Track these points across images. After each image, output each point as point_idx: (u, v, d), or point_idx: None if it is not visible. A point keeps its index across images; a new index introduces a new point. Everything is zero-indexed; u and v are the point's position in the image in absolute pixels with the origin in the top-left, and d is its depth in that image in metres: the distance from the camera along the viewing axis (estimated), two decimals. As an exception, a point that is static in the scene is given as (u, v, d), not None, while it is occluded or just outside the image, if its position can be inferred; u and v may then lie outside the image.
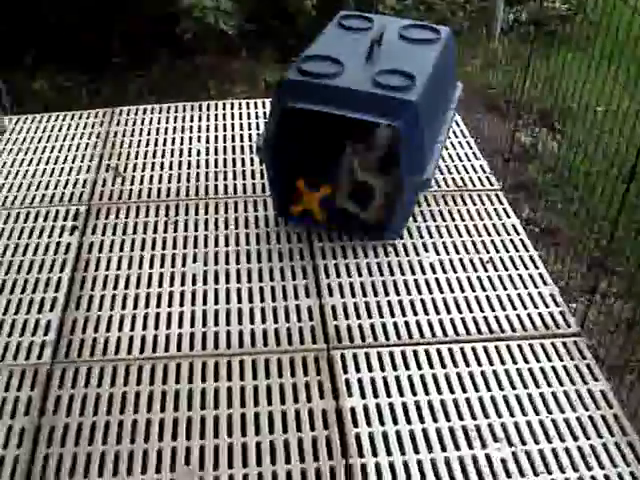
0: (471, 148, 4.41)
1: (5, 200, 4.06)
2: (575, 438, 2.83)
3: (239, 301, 3.39)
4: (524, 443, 2.80)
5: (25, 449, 2.79)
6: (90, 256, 3.66)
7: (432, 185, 3.83)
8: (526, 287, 3.48)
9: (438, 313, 3.33)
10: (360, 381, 3.03)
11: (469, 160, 4.31)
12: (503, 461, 2.74)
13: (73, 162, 4.35)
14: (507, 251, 3.68)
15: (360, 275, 3.52)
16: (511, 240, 3.75)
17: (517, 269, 3.58)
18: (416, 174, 3.38)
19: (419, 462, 2.73)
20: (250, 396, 2.97)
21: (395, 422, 2.87)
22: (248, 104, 4.85)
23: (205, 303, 3.38)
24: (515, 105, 4.24)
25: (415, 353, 3.15)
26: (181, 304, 3.38)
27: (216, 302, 3.38)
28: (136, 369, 3.08)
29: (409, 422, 2.87)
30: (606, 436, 2.84)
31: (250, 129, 4.57)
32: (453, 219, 3.87)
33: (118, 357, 3.14)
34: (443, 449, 2.78)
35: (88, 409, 2.93)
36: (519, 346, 3.19)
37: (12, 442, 2.81)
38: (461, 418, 2.88)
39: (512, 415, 2.90)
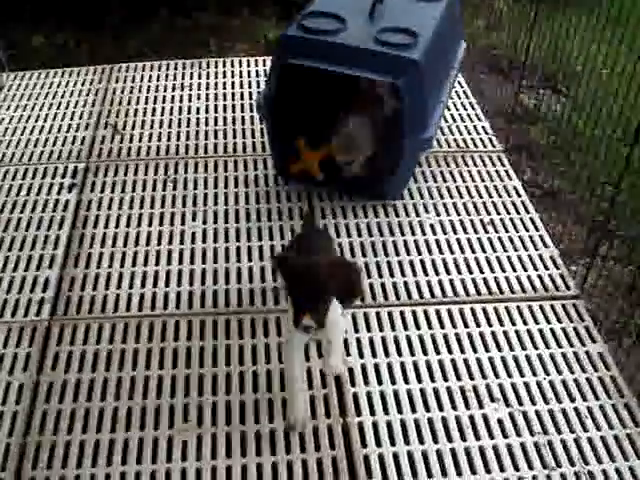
0: (474, 109, 4.37)
1: (3, 157, 4.02)
2: (572, 399, 2.84)
3: (238, 260, 3.37)
4: (521, 404, 2.81)
5: (24, 405, 2.80)
6: (88, 214, 3.63)
7: (434, 145, 3.79)
8: (526, 249, 3.46)
9: (438, 274, 3.32)
10: (358, 341, 3.02)
11: (472, 121, 4.26)
12: (500, 421, 2.75)
13: (71, 119, 4.30)
14: (508, 213, 3.66)
15: (360, 235, 3.50)
16: (512, 202, 3.73)
17: (518, 231, 3.56)
18: (418, 133, 3.34)
19: (416, 421, 2.74)
20: (248, 354, 2.97)
21: (393, 382, 2.87)
22: (249, 62, 4.79)
23: (204, 262, 3.37)
24: (519, 67, 4.18)
25: (414, 314, 3.14)
26: (180, 262, 3.37)
27: (215, 261, 3.37)
28: (135, 326, 3.08)
29: (407, 382, 2.87)
30: (603, 398, 2.85)
31: (251, 87, 4.52)
32: (454, 180, 3.84)
33: (117, 314, 3.13)
34: (440, 408, 2.78)
35: (86, 366, 2.94)
36: (518, 308, 3.19)
37: (11, 398, 2.82)
38: (459, 378, 2.89)
39: (510, 376, 2.91)
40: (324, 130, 3.53)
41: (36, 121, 4.30)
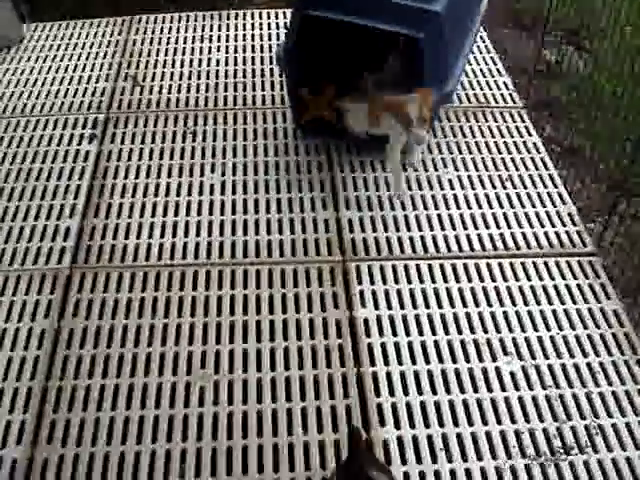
0: (495, 64, 4.32)
1: (24, 108, 4.05)
2: (585, 355, 2.86)
3: (256, 212, 3.40)
4: (534, 358, 2.84)
5: (45, 350, 2.87)
6: (109, 164, 3.67)
7: (454, 100, 3.78)
8: (544, 205, 3.46)
9: (454, 229, 3.33)
10: (374, 293, 3.06)
11: (492, 77, 4.23)
12: (512, 374, 2.79)
13: (92, 71, 4.31)
14: (527, 169, 3.65)
15: (378, 189, 3.52)
16: (531, 158, 3.71)
17: (536, 187, 3.55)
18: (437, 87, 3.32)
19: (429, 372, 2.78)
20: (265, 304, 3.01)
21: (407, 334, 2.91)
22: (269, 14, 4.76)
23: (223, 213, 3.40)
24: (542, 22, 4.12)
25: (430, 267, 3.17)
26: (199, 213, 3.40)
27: (233, 212, 3.40)
28: (154, 276, 3.13)
29: (421, 334, 2.91)
30: (616, 354, 2.87)
31: (271, 40, 4.50)
32: (474, 136, 3.83)
33: (136, 264, 3.18)
34: (454, 361, 2.82)
35: (107, 313, 2.99)
36: (534, 263, 3.20)
37: (33, 343, 2.89)
38: (473, 332, 2.92)
39: (523, 330, 2.93)
40: (343, 82, 3.51)
41: (56, 72, 4.31)
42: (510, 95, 4.10)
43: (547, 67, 4.43)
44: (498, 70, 4.28)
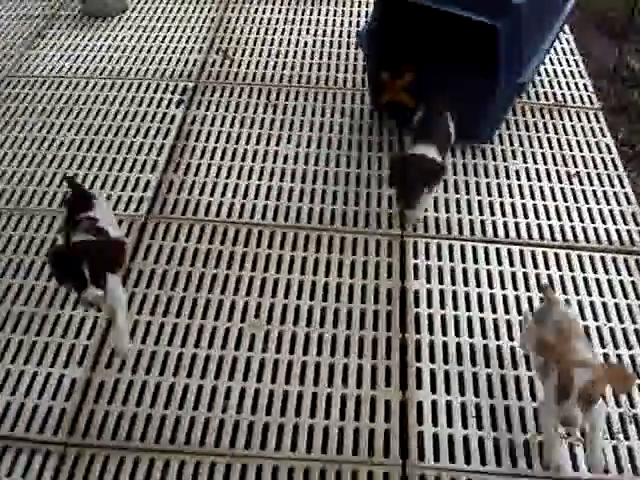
0: (577, 66, 4.35)
1: (120, 71, 4.31)
2: (629, 347, 2.90)
3: (324, 182, 3.55)
4: (578, 344, 2.88)
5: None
6: (192, 128, 3.88)
7: (531, 96, 3.83)
8: (608, 203, 3.49)
9: (515, 216, 3.40)
10: (428, 268, 3.16)
11: (573, 78, 4.25)
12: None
13: (186, 43, 4.54)
14: (596, 168, 3.68)
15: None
16: (602, 158, 3.74)
17: (603, 186, 3.58)
18: (512, 77, 3.40)
19: (472, 345, 2.87)
20: (322, 267, 3.15)
21: (455, 308, 3.01)
22: (360, 0, 4.90)
23: (293, 181, 3.56)
24: (629, 28, 4.14)
25: (485, 250, 3.25)
26: (270, 179, 3.57)
27: (303, 181, 3.56)
28: (222, 231, 3.31)
29: (468, 309, 3.00)
30: (662, 350, 2.90)
31: (359, 25, 4.64)
32: (547, 131, 3.88)
33: (207, 218, 3.37)
34: (497, 338, 2.90)
35: (174, 260, 3.19)
36: (590, 257, 3.24)
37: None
38: (520, 314, 2.99)
39: (571, 317, 2.98)
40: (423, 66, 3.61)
41: (153, 42, 4.56)
42: (589, 97, 4.12)
43: (631, 72, 4.43)
44: (580, 72, 4.30)
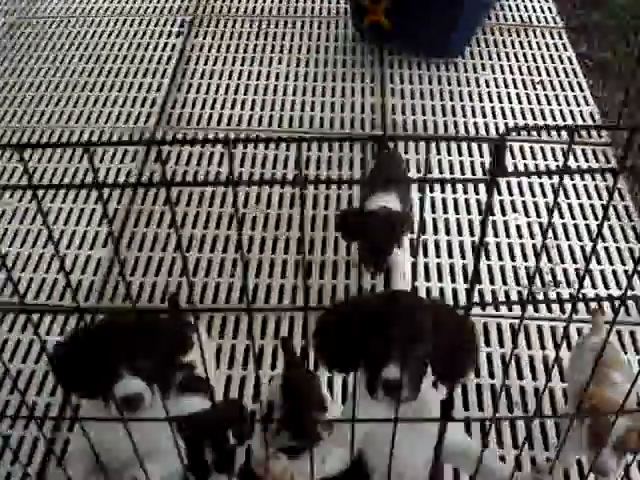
0: (542, -10, 4.75)
1: (123, 9, 4.68)
2: (585, 218, 3.32)
3: (313, 95, 3.95)
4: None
5: (127, 193, 3.48)
6: (192, 54, 4.27)
7: (497, 11, 4.22)
8: (569, 105, 3.90)
9: (484, 116, 3.80)
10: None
11: (539, 1, 4.65)
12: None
13: (183, -16, 4.92)
14: (558, 76, 4.08)
15: (421, 83, 4.02)
16: (564, 68, 4.14)
17: (564, 90, 3.99)
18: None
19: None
20: (313, 166, 3.57)
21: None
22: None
23: (285, 94, 3.96)
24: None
25: (459, 146, 3.66)
26: (264, 94, 3.97)
27: (294, 94, 3.96)
28: (222, 136, 3.71)
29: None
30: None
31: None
32: (514, 47, 4.28)
33: (209, 127, 3.78)
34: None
35: (181, 161, 3.60)
36: (552, 149, 3.65)
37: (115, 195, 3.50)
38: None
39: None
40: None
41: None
42: (552, 18, 4.52)
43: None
44: (545, -5, 4.70)
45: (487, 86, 4.01)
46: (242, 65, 4.17)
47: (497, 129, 3.73)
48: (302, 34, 4.40)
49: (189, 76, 4.11)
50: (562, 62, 4.18)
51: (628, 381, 2.09)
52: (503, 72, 4.10)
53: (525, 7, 4.60)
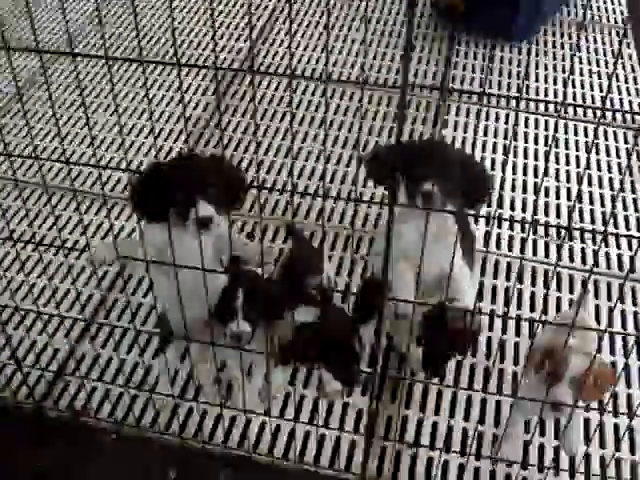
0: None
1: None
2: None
3: (391, 60, 4.33)
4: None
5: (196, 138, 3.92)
6: None
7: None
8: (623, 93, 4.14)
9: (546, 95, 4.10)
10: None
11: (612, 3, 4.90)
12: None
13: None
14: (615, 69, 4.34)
15: (484, 60, 4.33)
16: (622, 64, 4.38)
17: (618, 82, 4.23)
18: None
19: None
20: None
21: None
22: None
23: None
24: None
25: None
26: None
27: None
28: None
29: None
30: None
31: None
32: (579, 39, 4.55)
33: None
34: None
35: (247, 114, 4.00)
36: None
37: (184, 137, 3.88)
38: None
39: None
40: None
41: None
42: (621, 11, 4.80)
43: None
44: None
45: (545, 69, 4.29)
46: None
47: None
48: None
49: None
50: (622, 57, 4.42)
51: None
52: (564, 59, 4.37)
53: (597, 7, 4.85)
